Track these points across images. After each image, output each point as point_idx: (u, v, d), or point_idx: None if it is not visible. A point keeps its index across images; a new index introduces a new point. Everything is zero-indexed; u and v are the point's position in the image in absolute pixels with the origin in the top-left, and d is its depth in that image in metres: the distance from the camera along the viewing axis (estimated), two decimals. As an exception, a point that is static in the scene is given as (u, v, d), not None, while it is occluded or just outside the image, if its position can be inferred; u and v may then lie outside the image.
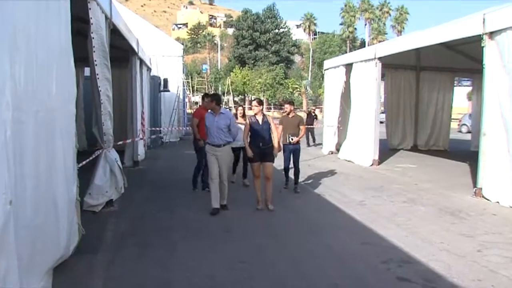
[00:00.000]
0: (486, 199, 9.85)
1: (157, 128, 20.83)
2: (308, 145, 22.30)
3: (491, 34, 9.82)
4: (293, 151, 10.85)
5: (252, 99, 68.54)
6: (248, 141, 8.98)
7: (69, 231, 5.68)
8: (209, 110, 8.98)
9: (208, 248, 6.63)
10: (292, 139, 10.68)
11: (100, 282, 5.36)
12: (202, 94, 11.21)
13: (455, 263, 6.08)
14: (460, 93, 36.98)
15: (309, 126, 22.23)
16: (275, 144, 9.04)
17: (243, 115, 11.42)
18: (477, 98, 18.85)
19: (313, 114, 24.57)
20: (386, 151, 18.61)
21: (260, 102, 9.41)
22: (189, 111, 28.89)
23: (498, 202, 9.54)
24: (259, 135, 8.91)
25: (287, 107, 11.17)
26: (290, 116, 10.96)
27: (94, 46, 8.14)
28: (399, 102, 20.67)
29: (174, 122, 23.76)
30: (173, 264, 5.98)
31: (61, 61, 5.49)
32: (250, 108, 26.57)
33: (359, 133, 16.13)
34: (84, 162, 8.22)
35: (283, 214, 8.64)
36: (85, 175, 8.03)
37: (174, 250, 6.53)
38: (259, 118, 9.07)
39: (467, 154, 17.63)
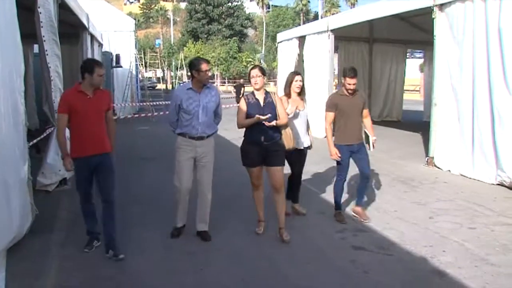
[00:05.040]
0: (438, 167, 10.10)
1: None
2: None
3: (441, 6, 9.98)
4: (357, 153, 6.75)
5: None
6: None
7: (21, 211, 5.56)
8: (183, 85, 6.27)
9: (163, 221, 6.57)
10: (369, 138, 6.69)
11: (56, 261, 5.30)
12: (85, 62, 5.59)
13: (408, 230, 6.26)
14: (413, 65, 37.55)
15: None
16: (286, 137, 6.13)
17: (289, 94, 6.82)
18: (429, 70, 19.16)
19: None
20: (341, 123, 18.73)
21: (262, 71, 6.00)
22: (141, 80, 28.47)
23: (449, 170, 9.80)
24: (258, 125, 5.81)
25: (351, 82, 6.41)
26: (351, 95, 6.57)
27: (41, 21, 7.87)
28: (352, 74, 20.81)
29: (128, 98, 23.41)
30: (129, 239, 5.95)
31: (5, 37, 5.29)
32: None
33: (313, 105, 16.19)
34: (35, 141, 8.05)
35: (238, 187, 8.61)
36: (37, 154, 7.88)
37: (129, 226, 6.48)
38: (260, 96, 5.99)
39: (419, 124, 17.98)
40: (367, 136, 6.67)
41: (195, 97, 5.79)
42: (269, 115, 5.74)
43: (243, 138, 6.08)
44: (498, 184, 8.64)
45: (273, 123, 5.79)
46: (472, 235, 6.04)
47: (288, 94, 6.75)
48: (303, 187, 7.82)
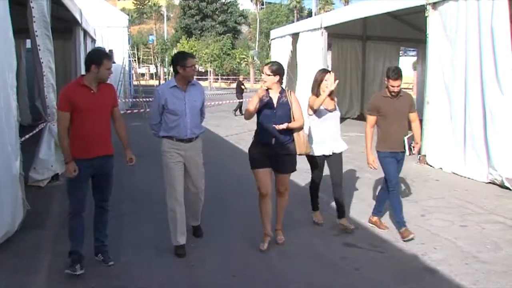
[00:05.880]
0: (430, 165, 10.14)
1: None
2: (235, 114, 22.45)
3: (435, 4, 10.02)
4: (400, 162, 6.18)
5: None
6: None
7: (13, 207, 5.56)
8: (166, 83, 5.66)
9: (155, 217, 6.52)
10: (411, 144, 6.04)
11: (48, 256, 5.29)
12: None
13: (400, 227, 6.27)
14: (406, 63, 37.55)
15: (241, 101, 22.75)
16: (299, 141, 5.58)
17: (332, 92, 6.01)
18: (422, 68, 19.20)
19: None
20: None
21: (278, 69, 5.47)
22: (135, 83, 28.33)
23: (441, 168, 9.84)
24: (269, 126, 5.39)
25: (395, 84, 5.72)
26: (394, 97, 5.87)
27: (34, 16, 7.83)
28: (345, 71, 20.82)
29: (120, 94, 23.34)
30: (121, 235, 5.96)
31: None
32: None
33: (305, 102, 16.20)
34: (27, 136, 8.01)
35: (230, 184, 8.62)
36: (30, 150, 7.84)
37: (121, 221, 6.47)
38: (274, 95, 5.49)
39: (411, 122, 17.96)
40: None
41: (180, 96, 5.25)
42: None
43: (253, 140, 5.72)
44: (490, 182, 8.67)
45: (284, 125, 5.30)
46: (463, 233, 6.08)
47: (317, 95, 6.11)
48: (303, 187, 7.85)
